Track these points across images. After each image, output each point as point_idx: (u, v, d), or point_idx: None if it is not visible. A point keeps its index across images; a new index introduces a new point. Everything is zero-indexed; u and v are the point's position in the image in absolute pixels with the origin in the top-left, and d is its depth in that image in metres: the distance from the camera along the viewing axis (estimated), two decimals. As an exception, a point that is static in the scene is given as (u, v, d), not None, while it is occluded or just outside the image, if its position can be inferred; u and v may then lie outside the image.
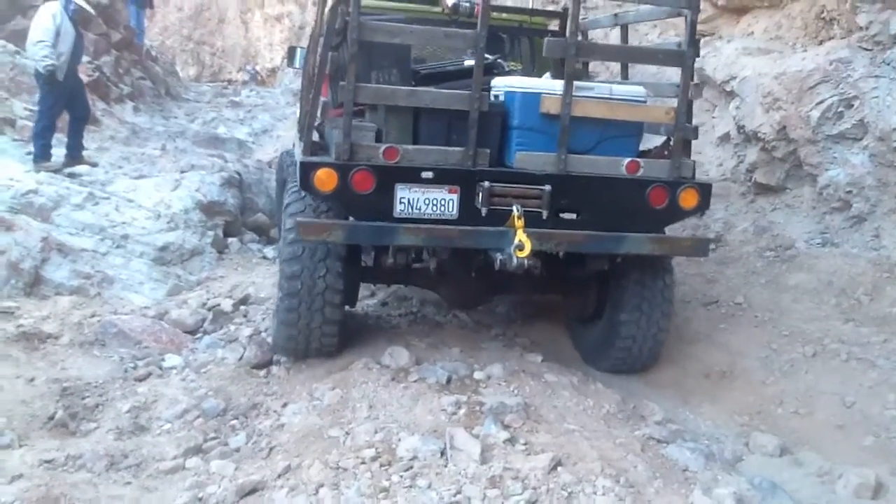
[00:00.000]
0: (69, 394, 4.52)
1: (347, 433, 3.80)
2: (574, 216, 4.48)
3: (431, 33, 4.52)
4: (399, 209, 4.26)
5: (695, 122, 7.66)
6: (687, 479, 3.63)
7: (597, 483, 3.32)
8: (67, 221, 6.85)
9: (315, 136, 4.90)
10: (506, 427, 3.77)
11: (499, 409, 3.90)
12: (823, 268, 5.78)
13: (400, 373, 4.44)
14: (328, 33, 4.39)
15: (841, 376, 4.68)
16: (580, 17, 4.49)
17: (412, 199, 4.27)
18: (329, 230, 4.28)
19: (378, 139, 4.36)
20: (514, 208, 4.23)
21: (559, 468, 3.41)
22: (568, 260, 4.69)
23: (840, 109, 6.11)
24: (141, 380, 4.88)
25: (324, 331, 4.70)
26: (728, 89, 7.31)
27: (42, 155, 7.63)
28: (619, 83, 5.05)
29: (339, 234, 4.30)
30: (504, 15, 6.21)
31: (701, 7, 7.71)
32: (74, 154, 7.97)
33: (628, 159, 4.43)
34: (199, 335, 5.69)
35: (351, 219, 4.40)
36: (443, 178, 4.27)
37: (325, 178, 4.17)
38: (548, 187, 4.31)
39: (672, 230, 4.97)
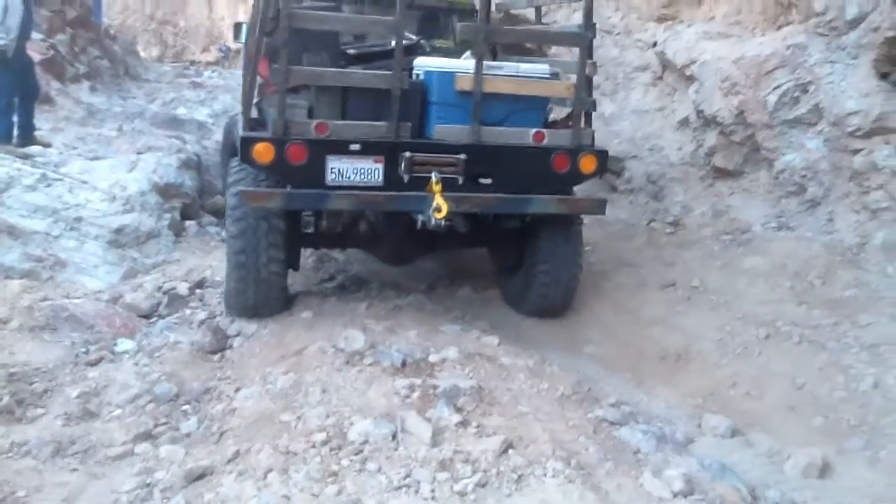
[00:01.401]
0: (16, 379, 4.42)
1: (299, 418, 3.76)
2: (488, 181, 5.00)
3: (356, 21, 5.34)
4: (330, 178, 4.78)
5: (657, 105, 7.89)
6: (638, 461, 3.65)
7: (547, 465, 3.32)
8: (19, 203, 6.67)
9: (255, 113, 5.32)
10: (458, 410, 3.76)
11: (452, 392, 3.89)
12: (778, 251, 5.85)
13: (355, 356, 4.40)
14: (262, 21, 4.85)
15: (792, 358, 4.75)
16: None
17: (342, 169, 4.79)
18: (269, 197, 4.83)
19: (310, 115, 4.89)
20: (433, 175, 4.78)
21: (510, 451, 3.41)
22: (486, 219, 5.48)
23: (796, 94, 6.18)
24: (92, 365, 4.79)
25: (270, 292, 5.20)
26: (688, 74, 7.34)
27: (5, 136, 7.47)
28: (528, 62, 5.54)
29: (278, 200, 4.84)
30: None
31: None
32: (26, 134, 7.79)
33: (534, 130, 5.05)
34: (153, 319, 5.59)
35: (289, 187, 4.86)
36: (369, 149, 4.80)
37: (263, 152, 4.67)
38: (463, 156, 4.87)
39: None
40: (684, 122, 7.45)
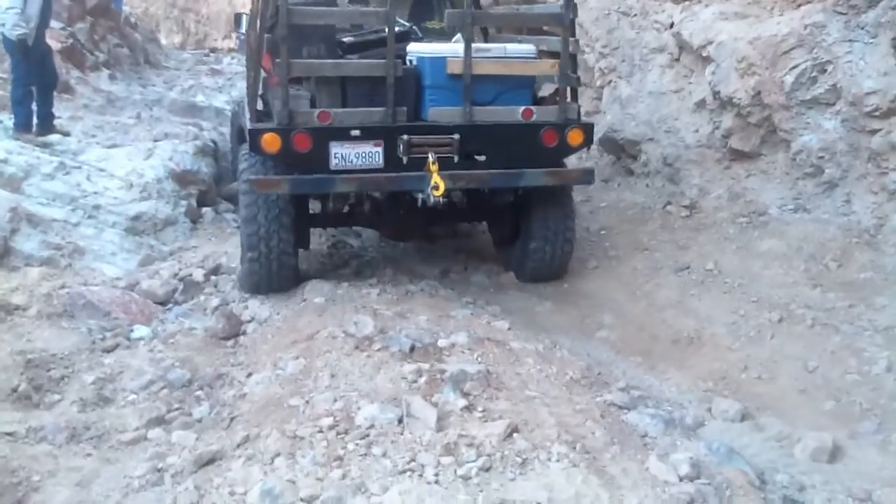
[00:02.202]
0: (34, 366, 4.50)
1: (307, 402, 3.79)
2: (482, 158, 5.32)
3: (351, 14, 5.67)
4: (334, 163, 5.12)
5: (673, 87, 7.80)
6: (645, 445, 3.63)
7: (552, 449, 3.32)
8: (38, 191, 6.78)
9: (260, 105, 5.60)
10: (465, 394, 3.76)
11: (459, 376, 3.89)
12: (794, 234, 5.78)
13: (364, 341, 4.42)
14: (262, 18, 5.18)
15: (805, 341, 4.70)
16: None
17: (344, 154, 5.12)
18: (278, 184, 5.17)
19: (312, 105, 5.26)
20: (430, 155, 5.09)
21: (515, 435, 3.41)
22: (482, 194, 5.86)
23: (814, 74, 6.06)
24: (108, 351, 4.87)
25: (281, 272, 5.48)
26: (704, 55, 7.23)
27: (25, 124, 7.56)
28: (516, 41, 5.88)
29: (286, 186, 5.17)
30: None
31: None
32: (46, 123, 7.87)
33: (523, 107, 5.38)
34: (169, 306, 5.68)
35: (295, 173, 5.20)
36: (369, 134, 5.13)
37: (271, 141, 5.00)
38: (457, 136, 5.19)
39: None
40: (701, 104, 7.35)
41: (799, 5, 6.63)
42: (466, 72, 5.17)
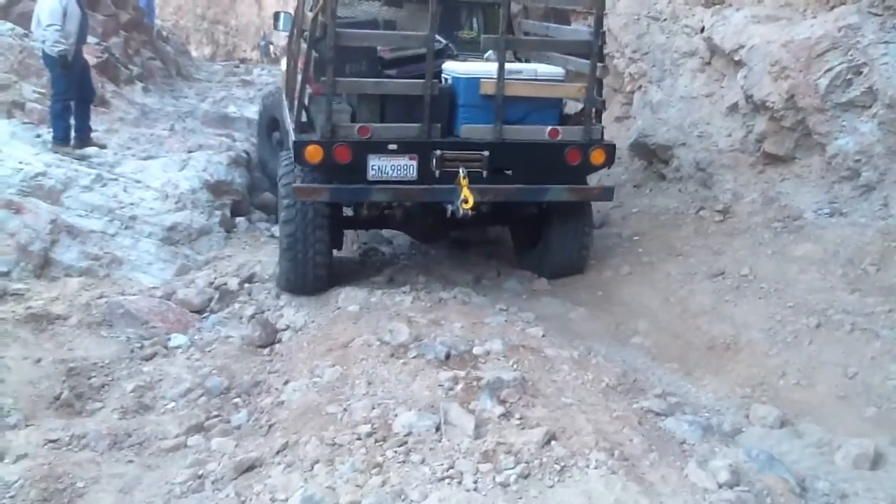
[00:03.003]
0: (75, 374, 4.59)
1: (345, 409, 3.83)
2: (509, 173, 5.62)
3: (393, 37, 5.94)
4: (371, 174, 5.41)
5: (705, 91, 7.76)
6: (683, 452, 3.62)
7: (590, 457, 3.32)
8: (76, 203, 6.90)
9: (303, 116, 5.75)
10: (501, 402, 3.77)
11: (495, 384, 3.90)
12: (831, 238, 5.70)
13: (399, 349, 4.45)
14: (311, 39, 5.47)
15: (844, 347, 4.64)
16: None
17: (381, 166, 5.42)
18: (318, 192, 5.49)
19: (353, 119, 5.54)
20: (461, 170, 5.38)
21: (553, 442, 3.41)
22: (508, 204, 6.05)
23: (849, 77, 6.00)
24: (147, 359, 4.95)
25: (316, 271, 5.76)
26: (736, 59, 7.20)
27: (63, 137, 7.70)
28: (545, 64, 6.03)
29: (326, 195, 5.52)
30: None
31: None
32: (83, 136, 8.02)
33: (550, 127, 5.63)
34: (205, 314, 5.75)
35: (334, 181, 5.50)
36: (404, 148, 5.42)
37: (314, 153, 5.28)
38: (487, 152, 5.50)
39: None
40: (733, 108, 7.30)
41: (832, 7, 6.57)
42: (499, 93, 5.43)
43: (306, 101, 5.67)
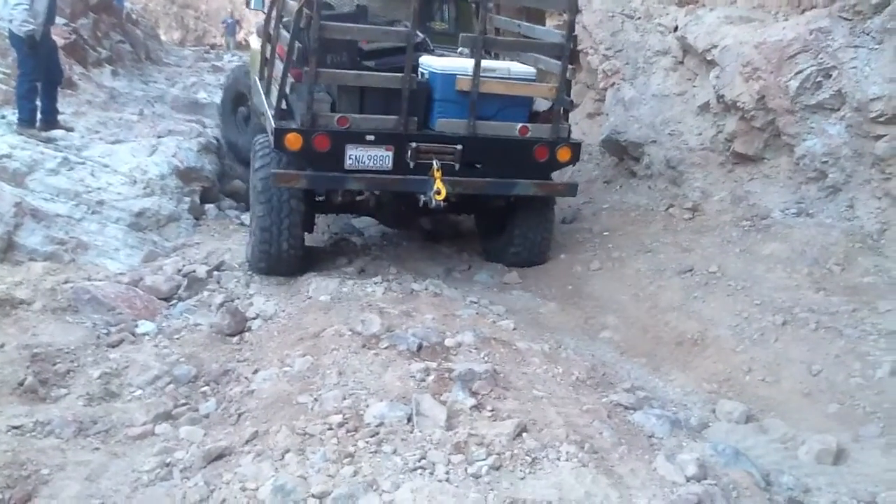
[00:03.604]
0: (40, 360, 4.49)
1: (316, 399, 3.81)
2: (480, 167, 5.82)
3: (375, 31, 6.05)
4: (348, 163, 5.57)
5: (677, 90, 7.84)
6: (652, 446, 3.67)
7: (561, 449, 3.35)
8: (42, 186, 6.78)
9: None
10: (473, 394, 3.78)
11: (467, 375, 3.91)
12: (797, 237, 5.80)
13: (371, 339, 4.44)
14: (294, 30, 5.48)
15: (809, 345, 4.72)
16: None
17: (358, 156, 5.58)
18: (297, 178, 5.64)
19: (332, 109, 5.70)
20: (434, 162, 5.58)
21: (524, 434, 3.43)
22: (477, 196, 6.20)
23: (819, 79, 6.09)
24: (113, 346, 4.86)
25: (290, 252, 5.89)
26: (709, 58, 7.27)
27: (29, 119, 7.56)
28: (517, 63, 6.26)
29: (304, 181, 5.68)
30: None
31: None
32: (49, 118, 7.87)
33: (520, 124, 5.86)
34: (173, 302, 5.67)
35: (309, 170, 5.67)
36: (381, 139, 5.57)
37: (294, 140, 5.43)
38: (460, 146, 5.67)
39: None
40: (705, 108, 7.38)
41: (804, 10, 6.67)
42: (474, 90, 5.63)
43: (287, 90, 5.69)
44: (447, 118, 5.76)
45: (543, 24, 8.50)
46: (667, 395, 4.49)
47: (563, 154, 6.01)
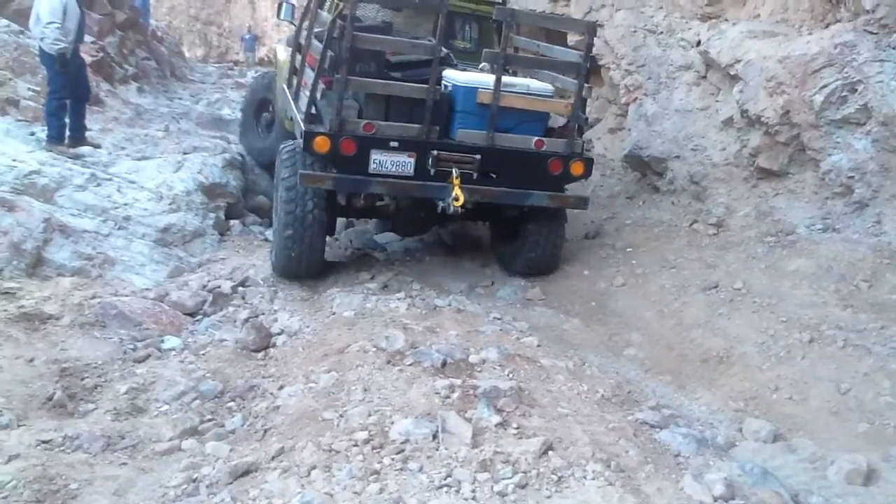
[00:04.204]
0: (68, 374, 4.55)
1: (341, 416, 3.82)
2: (496, 177, 6.08)
3: (403, 44, 6.48)
4: (372, 167, 5.83)
5: (700, 104, 7.82)
6: (678, 465, 3.65)
7: (587, 467, 3.33)
8: (70, 202, 6.86)
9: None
10: (498, 411, 3.78)
11: (492, 392, 3.91)
12: (824, 253, 5.75)
13: (396, 356, 4.45)
14: (328, 40, 5.78)
15: (837, 363, 4.68)
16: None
17: (382, 161, 5.83)
18: (323, 180, 5.92)
19: (359, 116, 5.94)
20: (454, 170, 5.83)
21: (550, 452, 3.42)
22: (493, 205, 6.41)
23: (844, 94, 6.06)
24: (140, 361, 4.91)
25: (312, 254, 6.13)
26: (732, 73, 7.24)
27: (58, 136, 7.67)
28: (536, 80, 6.53)
29: (330, 183, 5.96)
30: (458, 2, 7.58)
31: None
32: (77, 135, 7.98)
33: (536, 138, 6.14)
34: (198, 317, 5.73)
35: (335, 172, 5.92)
36: (405, 146, 5.84)
37: (322, 143, 5.70)
38: (478, 156, 5.94)
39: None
40: (728, 122, 7.35)
41: (828, 24, 6.64)
42: (494, 103, 5.89)
43: (318, 95, 5.98)
44: (467, 129, 6.02)
45: (565, 42, 8.57)
46: (693, 414, 4.46)
47: (577, 168, 6.25)
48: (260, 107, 9.43)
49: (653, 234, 7.16)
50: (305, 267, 6.22)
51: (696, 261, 6.36)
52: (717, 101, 7.71)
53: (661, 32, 8.70)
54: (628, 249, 6.95)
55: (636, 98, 8.77)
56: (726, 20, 7.86)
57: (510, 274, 6.88)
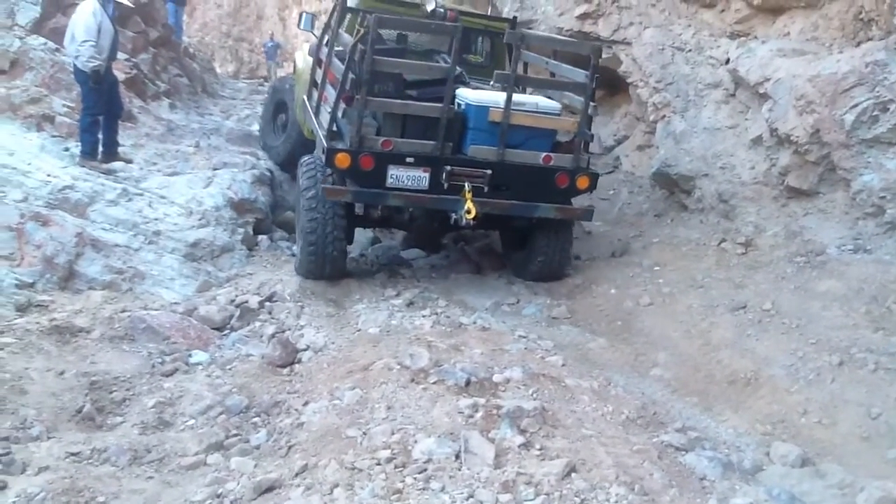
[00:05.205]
0: (97, 387, 4.63)
1: (365, 434, 3.84)
2: (506, 190, 6.37)
3: (420, 67, 6.98)
4: (389, 181, 6.15)
5: (728, 122, 7.79)
6: (704, 489, 3.61)
7: (610, 490, 3.31)
8: (102, 217, 6.99)
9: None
10: (522, 431, 3.77)
11: (516, 412, 3.90)
12: (854, 275, 5.67)
13: (420, 374, 4.46)
14: (349, 64, 6.12)
15: (867, 386, 4.59)
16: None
17: (398, 175, 6.16)
18: (343, 193, 6.32)
19: (378, 133, 6.27)
20: (466, 184, 6.16)
21: (573, 474, 3.40)
22: (503, 216, 6.72)
23: (875, 113, 5.98)
24: (167, 375, 4.98)
25: (335, 258, 6.51)
26: (761, 91, 7.19)
27: (90, 152, 7.82)
28: (544, 98, 6.81)
29: (350, 196, 6.37)
30: (471, 19, 8.16)
31: (737, 7, 7.72)
32: (110, 151, 8.12)
33: (544, 153, 6.41)
34: (226, 332, 5.80)
35: (354, 186, 6.28)
36: (420, 162, 6.16)
37: (342, 159, 6.04)
38: (489, 171, 6.26)
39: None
40: (757, 141, 7.30)
41: (859, 43, 6.58)
42: (504, 121, 6.17)
43: (339, 114, 6.35)
44: (479, 145, 6.29)
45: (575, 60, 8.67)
46: (719, 436, 4.40)
47: (582, 182, 6.52)
48: (278, 108, 10.04)
49: (680, 252, 7.10)
50: (328, 271, 6.59)
51: (725, 280, 6.30)
52: (746, 119, 7.66)
53: (690, 50, 8.66)
54: (655, 268, 6.90)
55: (664, 116, 8.73)
56: (755, 38, 7.82)
57: (522, 280, 7.17)
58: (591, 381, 4.72)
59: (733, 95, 7.92)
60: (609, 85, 10.16)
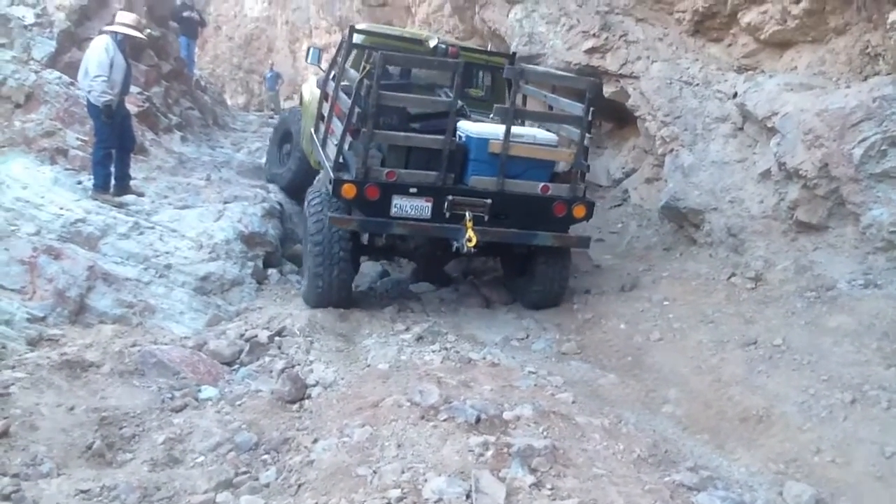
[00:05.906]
0: (107, 423, 4.63)
1: (375, 472, 3.82)
2: (506, 219, 6.60)
3: (423, 101, 7.25)
4: (394, 211, 6.40)
5: (737, 156, 7.81)
6: (717, 530, 3.57)
7: (623, 532, 3.28)
8: (113, 250, 7.03)
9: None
10: (533, 470, 3.75)
11: (526, 451, 3.88)
12: (866, 310, 5.64)
13: (430, 411, 4.44)
14: (356, 98, 6.43)
15: (881, 424, 4.55)
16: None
17: (402, 205, 6.41)
18: (349, 222, 6.50)
19: (382, 164, 6.54)
20: (467, 214, 6.38)
21: (585, 515, 3.38)
22: (503, 244, 6.97)
23: (884, 147, 6.00)
24: (177, 411, 4.98)
25: (341, 287, 6.73)
26: (769, 126, 7.22)
27: (103, 185, 7.88)
28: (542, 131, 7.07)
29: (355, 225, 6.54)
30: (472, 54, 8.46)
31: (744, 41, 7.77)
32: (122, 184, 8.18)
33: (542, 183, 6.69)
34: (235, 366, 5.79)
35: (360, 215, 6.47)
36: (423, 192, 6.41)
37: (349, 189, 6.26)
38: (489, 200, 6.51)
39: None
40: (766, 175, 7.31)
41: (867, 77, 6.61)
42: (504, 153, 6.44)
43: (346, 146, 6.54)
44: (480, 176, 6.55)
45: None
46: (731, 476, 4.36)
47: (579, 211, 6.79)
48: (283, 138, 10.41)
49: (690, 287, 7.09)
50: (335, 299, 6.75)
51: (735, 315, 6.27)
52: (755, 153, 7.68)
53: (698, 84, 8.71)
54: (665, 302, 6.88)
55: (672, 149, 8.76)
56: (763, 72, 7.87)
57: (530, 313, 7.24)
58: (602, 418, 4.69)
59: (741, 129, 7.95)
60: (617, 118, 10.22)
